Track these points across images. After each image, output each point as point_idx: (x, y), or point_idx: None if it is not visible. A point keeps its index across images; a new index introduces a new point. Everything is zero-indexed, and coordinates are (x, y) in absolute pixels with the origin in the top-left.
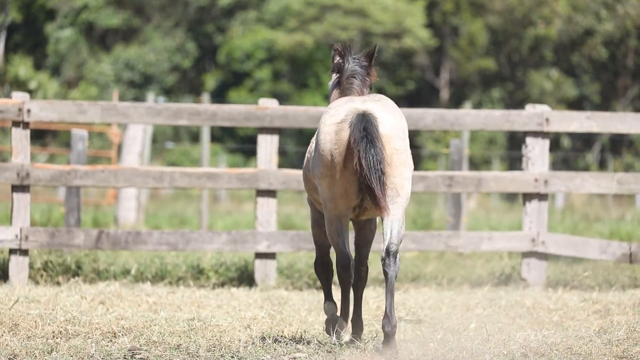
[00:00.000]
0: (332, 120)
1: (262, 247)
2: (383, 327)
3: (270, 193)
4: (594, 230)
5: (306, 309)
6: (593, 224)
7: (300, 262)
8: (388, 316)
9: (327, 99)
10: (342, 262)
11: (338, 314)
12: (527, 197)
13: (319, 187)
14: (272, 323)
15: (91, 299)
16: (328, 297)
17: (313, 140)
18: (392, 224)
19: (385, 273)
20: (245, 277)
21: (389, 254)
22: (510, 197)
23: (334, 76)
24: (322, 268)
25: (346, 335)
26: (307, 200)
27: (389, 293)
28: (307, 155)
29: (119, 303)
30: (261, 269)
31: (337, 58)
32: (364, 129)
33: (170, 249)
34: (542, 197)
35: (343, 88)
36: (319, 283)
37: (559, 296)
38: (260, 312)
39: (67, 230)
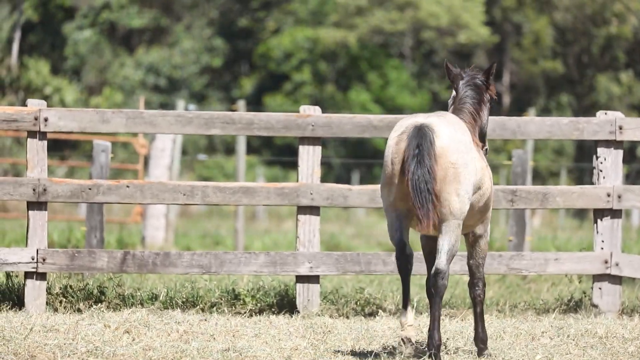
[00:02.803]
0: (395, 134)
1: (304, 270)
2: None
3: (312, 210)
4: None
5: (353, 338)
6: None
7: (346, 286)
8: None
9: (375, 102)
10: (397, 247)
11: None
12: (599, 213)
13: (382, 195)
14: (316, 354)
15: (115, 328)
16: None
17: None
18: (443, 243)
19: (430, 294)
20: (285, 303)
21: (437, 274)
22: (580, 214)
23: (453, 94)
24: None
25: (407, 317)
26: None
27: (434, 313)
28: None
29: (146, 332)
30: (303, 293)
31: (454, 75)
32: (417, 145)
33: (202, 272)
34: (615, 213)
35: (455, 109)
36: (367, 309)
37: (635, 324)
38: (302, 342)
39: (88, 252)
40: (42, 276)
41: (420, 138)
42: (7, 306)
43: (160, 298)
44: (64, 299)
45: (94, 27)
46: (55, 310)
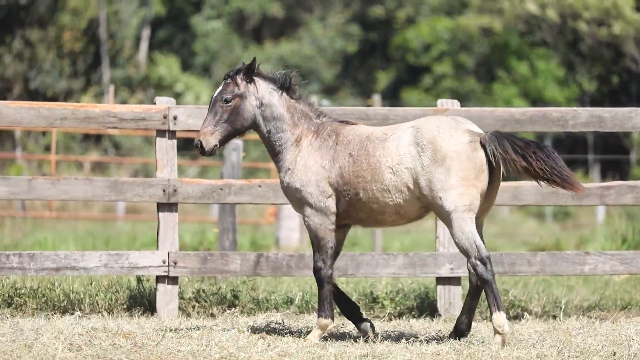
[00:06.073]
0: (463, 140)
1: (445, 271)
2: None
3: None
4: None
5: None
6: None
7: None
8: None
9: (521, 96)
10: (486, 255)
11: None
12: None
13: (466, 198)
14: (459, 359)
15: (250, 333)
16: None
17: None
18: (481, 233)
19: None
20: (426, 306)
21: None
22: None
23: (268, 88)
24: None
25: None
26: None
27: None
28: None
29: (281, 337)
30: (444, 296)
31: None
32: (521, 138)
33: (339, 274)
34: None
35: (305, 99)
36: (512, 312)
37: None
38: (444, 347)
39: (221, 255)
40: (173, 280)
41: (508, 135)
42: (138, 311)
43: (296, 302)
44: (197, 304)
45: (221, 18)
46: (188, 315)
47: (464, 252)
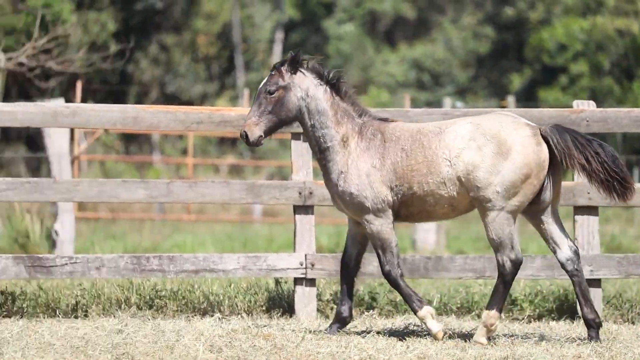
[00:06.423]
0: (524, 134)
1: (585, 273)
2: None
3: (590, 210)
4: None
5: None
6: None
7: (630, 290)
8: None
9: None
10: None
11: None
12: None
13: (504, 193)
14: None
15: (388, 335)
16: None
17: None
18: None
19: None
20: (565, 309)
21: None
22: None
23: (314, 81)
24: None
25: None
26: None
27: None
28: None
29: (420, 339)
30: None
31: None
32: (583, 135)
33: (476, 276)
34: None
35: (348, 97)
36: None
37: None
38: (585, 349)
39: None
40: (311, 282)
41: (569, 130)
42: (277, 313)
43: (434, 304)
44: (335, 306)
45: (353, 21)
46: (327, 317)
47: (498, 247)
